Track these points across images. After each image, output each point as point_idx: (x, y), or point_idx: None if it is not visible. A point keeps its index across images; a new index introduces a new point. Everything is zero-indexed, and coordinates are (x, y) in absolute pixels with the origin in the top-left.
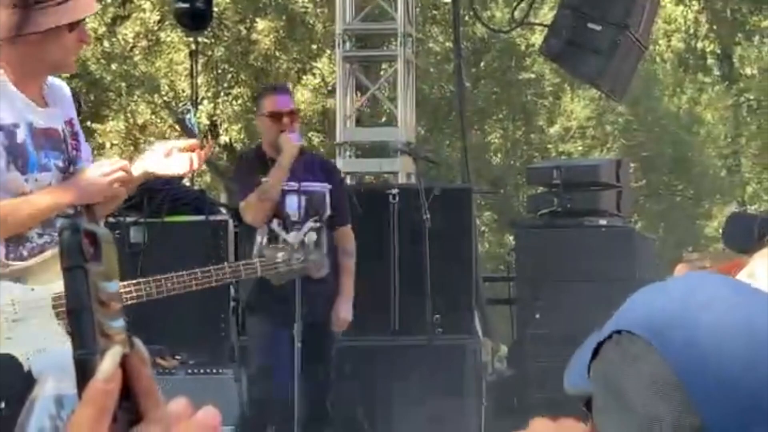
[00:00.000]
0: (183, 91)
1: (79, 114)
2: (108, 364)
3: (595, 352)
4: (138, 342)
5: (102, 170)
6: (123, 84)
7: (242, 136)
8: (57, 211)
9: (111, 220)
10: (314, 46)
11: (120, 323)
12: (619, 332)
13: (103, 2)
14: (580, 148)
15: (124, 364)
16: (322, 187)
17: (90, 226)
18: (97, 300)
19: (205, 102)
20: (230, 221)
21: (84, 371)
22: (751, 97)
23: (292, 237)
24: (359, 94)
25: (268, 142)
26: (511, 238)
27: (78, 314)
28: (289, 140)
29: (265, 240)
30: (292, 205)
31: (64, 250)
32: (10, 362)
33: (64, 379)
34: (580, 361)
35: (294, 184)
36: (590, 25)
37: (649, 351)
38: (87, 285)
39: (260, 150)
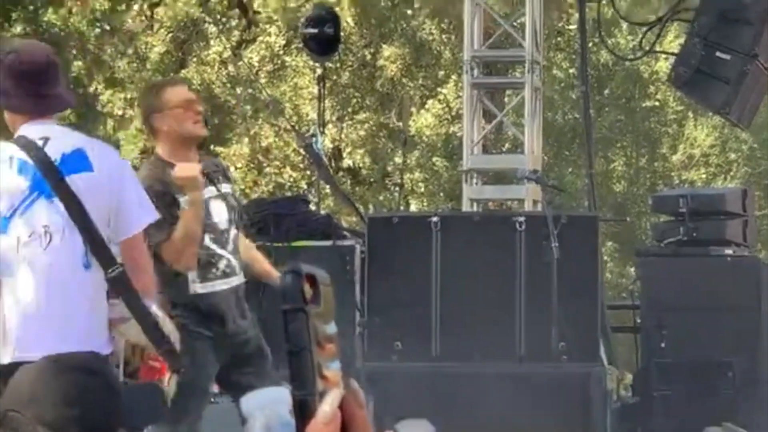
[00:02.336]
0: (306, 115)
1: (205, 139)
2: (328, 405)
3: None
4: (354, 384)
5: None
6: (248, 107)
7: (367, 162)
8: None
9: None
10: (440, 73)
11: (336, 365)
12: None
13: (228, 26)
14: (703, 175)
15: (341, 405)
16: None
17: (310, 269)
18: (316, 341)
19: (329, 126)
20: (357, 246)
21: (303, 411)
22: None
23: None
24: (486, 121)
25: (184, 134)
26: (633, 269)
27: (298, 355)
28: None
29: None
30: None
31: (286, 292)
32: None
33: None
34: None
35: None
36: (719, 54)
37: None
38: (307, 327)
39: (165, 164)
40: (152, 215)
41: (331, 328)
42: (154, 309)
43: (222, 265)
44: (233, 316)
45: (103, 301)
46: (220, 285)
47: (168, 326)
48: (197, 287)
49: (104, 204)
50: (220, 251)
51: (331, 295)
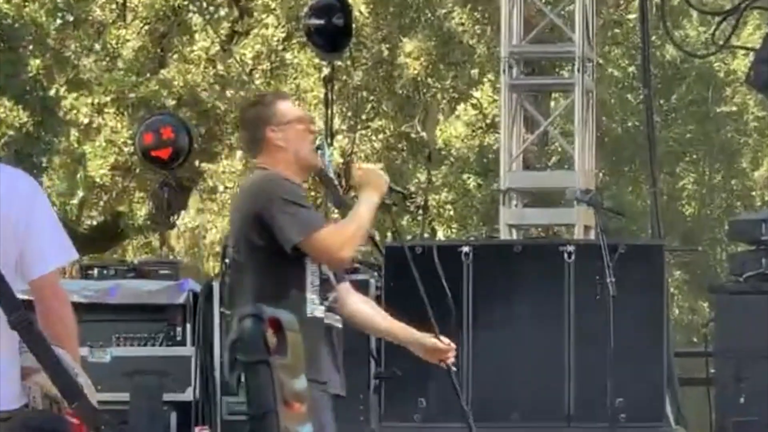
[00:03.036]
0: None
1: (189, 152)
2: None
3: None
4: None
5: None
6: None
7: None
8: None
9: (228, 280)
10: (473, 72)
11: (308, 429)
12: None
13: (216, 16)
14: None
15: None
16: None
17: (274, 313)
18: (283, 400)
19: (339, 136)
20: (372, 281)
21: None
22: None
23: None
24: (527, 130)
25: (299, 155)
26: (707, 304)
27: (262, 420)
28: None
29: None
30: None
31: (246, 341)
32: None
33: None
34: None
35: None
36: None
37: None
38: (272, 383)
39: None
40: (67, 255)
41: (301, 383)
42: (67, 358)
43: (332, 296)
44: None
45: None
46: (330, 318)
47: (84, 379)
48: (316, 310)
49: (9, 239)
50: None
51: (299, 343)
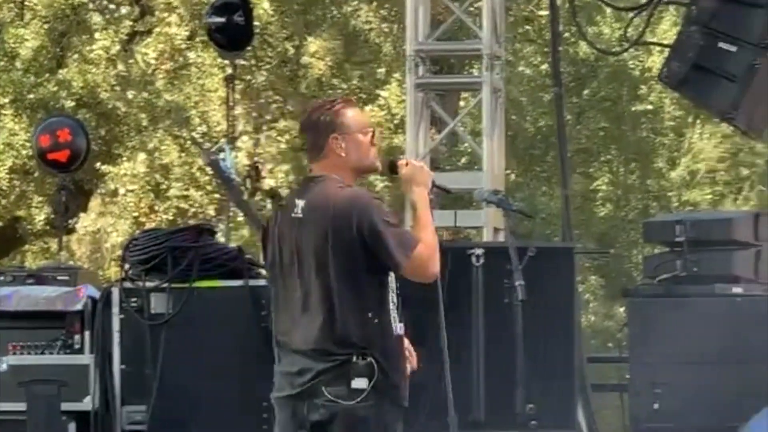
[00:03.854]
0: (217, 125)
1: (87, 154)
2: None
3: None
4: None
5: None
6: (143, 116)
7: (290, 180)
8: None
9: (128, 285)
10: (380, 71)
11: None
12: None
13: (117, 15)
14: (708, 196)
15: None
16: None
17: None
18: None
19: (245, 138)
20: None
21: None
22: None
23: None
24: (435, 130)
25: (360, 166)
26: (623, 309)
27: None
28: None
29: (394, 296)
30: None
31: None
32: None
33: None
34: None
35: None
36: (722, 45)
37: None
38: None
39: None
40: None
41: None
42: None
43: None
44: None
45: None
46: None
47: None
48: (398, 327)
49: None
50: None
51: None
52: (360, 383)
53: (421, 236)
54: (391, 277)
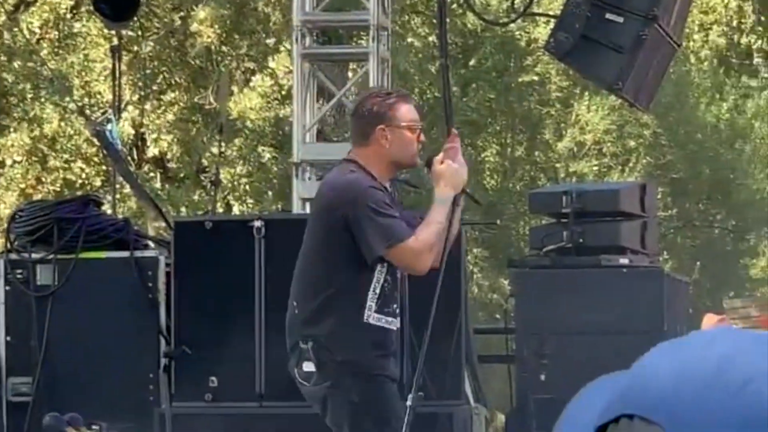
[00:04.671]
0: (101, 95)
1: None
2: None
3: None
4: None
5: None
6: (27, 86)
7: (175, 150)
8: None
9: (13, 257)
10: (269, 41)
11: None
12: (630, 417)
13: None
14: (595, 168)
15: None
16: None
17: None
18: None
19: (130, 108)
20: (162, 258)
21: None
22: None
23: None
24: (322, 101)
25: (401, 160)
26: (508, 281)
27: None
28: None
29: (378, 287)
30: None
31: None
32: None
33: None
34: None
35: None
36: (609, 16)
37: None
38: None
39: (369, 174)
40: None
41: None
42: None
43: (396, 303)
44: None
45: None
46: (393, 325)
47: None
48: (371, 318)
49: None
50: (397, 287)
51: None
52: (308, 366)
53: (420, 231)
54: (382, 268)
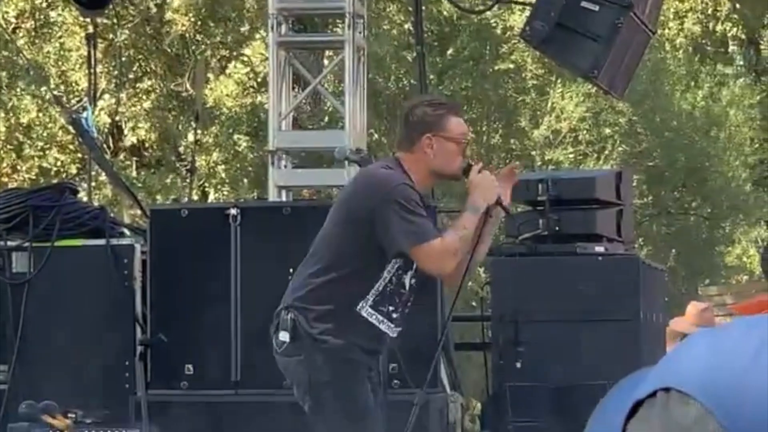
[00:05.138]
0: (77, 84)
1: None
2: None
3: (633, 411)
4: None
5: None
6: (3, 74)
7: (152, 138)
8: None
9: None
10: (243, 29)
11: None
12: (667, 390)
13: None
14: (571, 155)
15: None
16: None
17: None
18: None
19: (106, 96)
20: (137, 246)
21: None
22: None
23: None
24: (298, 89)
25: (442, 171)
26: (484, 268)
27: None
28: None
29: (382, 285)
30: None
31: None
32: None
33: None
34: (608, 420)
35: None
36: (584, 4)
37: (706, 418)
38: None
39: (408, 176)
40: None
41: None
42: None
43: (393, 307)
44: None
45: None
46: (383, 325)
47: None
48: (363, 310)
49: None
50: (407, 292)
51: None
52: (283, 336)
53: (448, 234)
54: (392, 269)
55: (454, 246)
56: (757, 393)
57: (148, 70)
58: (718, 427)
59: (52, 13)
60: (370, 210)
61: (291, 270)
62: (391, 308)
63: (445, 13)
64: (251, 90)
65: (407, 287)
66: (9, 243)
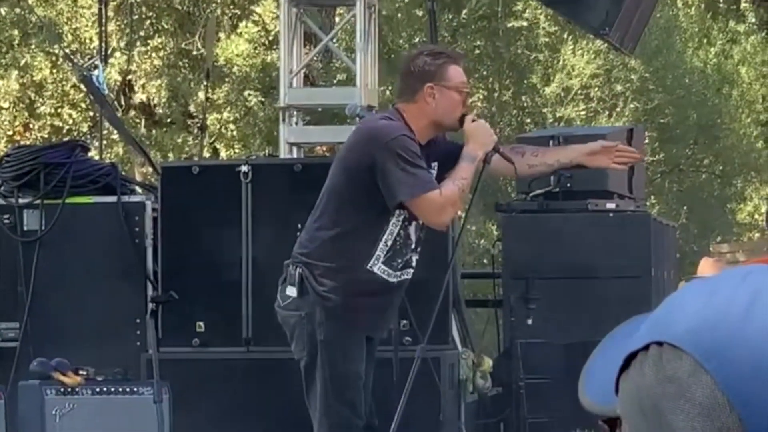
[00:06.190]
0: (90, 41)
1: None
2: None
3: (626, 364)
4: None
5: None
6: (15, 32)
7: (163, 95)
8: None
9: (0, 202)
10: None
11: None
12: (660, 344)
13: None
14: (583, 112)
15: None
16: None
17: None
18: None
19: (117, 54)
20: (148, 203)
21: None
22: None
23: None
24: (309, 47)
25: (444, 121)
26: (496, 225)
27: None
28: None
29: (390, 240)
30: None
31: None
32: None
33: None
34: (603, 372)
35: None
36: None
37: (699, 372)
38: None
39: (408, 127)
40: None
41: None
42: None
43: (406, 259)
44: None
45: None
46: (394, 278)
47: None
48: (376, 267)
49: None
50: (414, 242)
51: None
52: (290, 291)
53: (445, 186)
54: (397, 221)
55: (452, 198)
56: (751, 344)
57: (159, 27)
58: (711, 380)
59: None
60: (371, 159)
61: (301, 226)
62: (399, 261)
63: None
64: (262, 48)
65: (413, 238)
66: (20, 200)
